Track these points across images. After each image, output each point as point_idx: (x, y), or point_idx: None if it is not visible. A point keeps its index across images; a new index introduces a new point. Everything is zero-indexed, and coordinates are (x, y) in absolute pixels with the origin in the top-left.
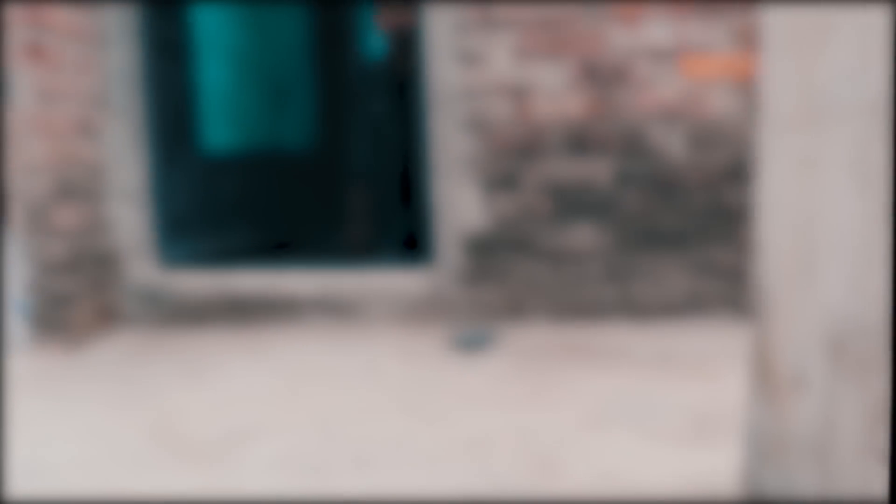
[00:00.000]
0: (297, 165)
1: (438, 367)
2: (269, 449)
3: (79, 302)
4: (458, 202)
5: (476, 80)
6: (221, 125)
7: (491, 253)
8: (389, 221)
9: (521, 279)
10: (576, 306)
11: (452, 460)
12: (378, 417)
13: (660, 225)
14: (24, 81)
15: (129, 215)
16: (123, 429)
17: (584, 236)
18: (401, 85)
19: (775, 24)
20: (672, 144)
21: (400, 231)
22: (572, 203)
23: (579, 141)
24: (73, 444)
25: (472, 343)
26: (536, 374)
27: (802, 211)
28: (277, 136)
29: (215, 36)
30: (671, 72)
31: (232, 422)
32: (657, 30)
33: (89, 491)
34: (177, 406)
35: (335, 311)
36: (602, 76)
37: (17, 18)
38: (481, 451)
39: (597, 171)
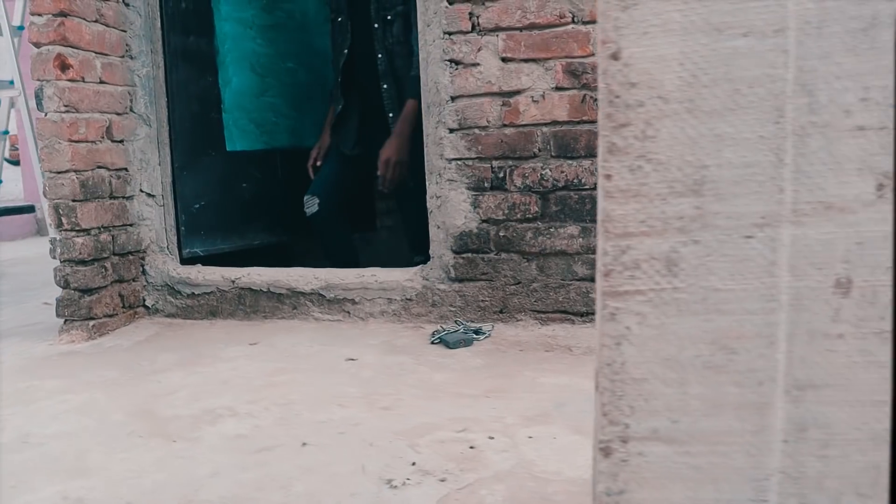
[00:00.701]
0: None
1: (415, 361)
2: (230, 429)
3: (103, 294)
4: (449, 202)
5: (465, 83)
6: (243, 127)
7: (480, 252)
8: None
9: (508, 278)
10: (561, 305)
11: (384, 446)
12: (338, 406)
13: None
14: (52, 90)
15: (151, 214)
16: (112, 407)
17: (569, 236)
18: None
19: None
20: None
21: (414, 225)
22: (559, 204)
23: (565, 142)
24: (63, 420)
25: (455, 339)
26: (505, 370)
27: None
28: (299, 134)
29: (238, 40)
30: None
31: (207, 404)
32: None
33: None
34: (166, 388)
35: (334, 305)
36: (588, 78)
37: (45, 29)
38: (416, 439)
39: (583, 172)
